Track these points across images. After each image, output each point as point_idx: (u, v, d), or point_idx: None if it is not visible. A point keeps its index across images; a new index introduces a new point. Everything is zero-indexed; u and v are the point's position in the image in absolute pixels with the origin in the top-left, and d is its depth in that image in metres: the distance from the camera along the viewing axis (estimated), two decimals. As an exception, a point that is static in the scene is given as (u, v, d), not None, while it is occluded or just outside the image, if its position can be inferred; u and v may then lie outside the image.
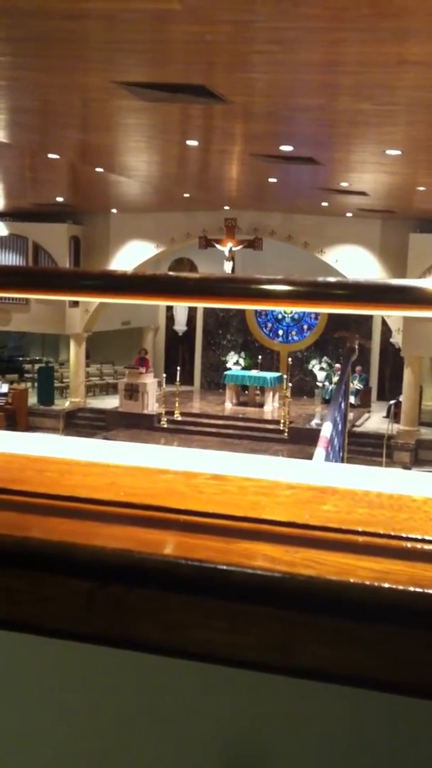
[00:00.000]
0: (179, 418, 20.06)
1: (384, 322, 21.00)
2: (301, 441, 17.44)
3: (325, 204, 16.41)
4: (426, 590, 0.83)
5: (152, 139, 10.94)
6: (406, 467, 16.59)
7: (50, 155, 11.95)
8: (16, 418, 20.47)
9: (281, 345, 23.71)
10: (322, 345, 23.02)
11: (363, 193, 14.19)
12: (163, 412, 20.10)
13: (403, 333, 18.68)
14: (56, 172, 14.23)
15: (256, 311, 22.80)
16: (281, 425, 19.32)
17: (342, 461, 7.27)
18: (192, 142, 10.69)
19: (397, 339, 19.37)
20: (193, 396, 23.26)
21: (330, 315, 21.80)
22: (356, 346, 8.77)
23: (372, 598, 0.84)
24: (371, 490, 1.12)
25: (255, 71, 7.06)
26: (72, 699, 1.08)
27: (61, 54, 6.66)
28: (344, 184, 13.56)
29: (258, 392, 21.41)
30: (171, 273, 1.26)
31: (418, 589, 0.83)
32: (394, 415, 19.49)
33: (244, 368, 22.75)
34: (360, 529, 0.98)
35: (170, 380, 20.94)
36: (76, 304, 20.42)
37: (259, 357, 22.89)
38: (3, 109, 9.32)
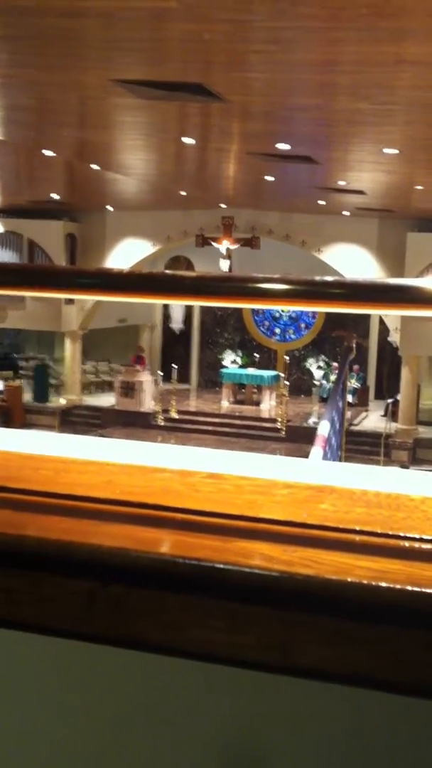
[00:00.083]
0: (176, 416, 20.05)
1: (381, 321, 21.00)
2: (299, 440, 17.43)
3: (322, 203, 16.39)
4: (424, 589, 0.83)
5: (149, 137, 10.92)
6: (403, 466, 16.58)
7: (46, 152, 11.92)
8: (11, 416, 20.46)
9: (278, 343, 23.69)
10: (319, 343, 23.01)
11: (361, 192, 14.18)
12: (160, 410, 20.09)
13: (400, 332, 18.70)
14: (52, 169, 14.19)
15: (253, 309, 22.77)
16: (278, 424, 19.32)
17: (340, 460, 7.27)
18: (189, 141, 10.66)
19: (394, 338, 19.39)
20: (190, 394, 23.25)
21: (327, 313, 21.78)
22: (354, 345, 8.79)
23: (370, 598, 0.84)
24: (369, 489, 1.12)
25: (252, 70, 7.05)
26: (72, 698, 1.08)
27: (58, 52, 6.64)
28: (342, 183, 13.55)
29: (255, 390, 21.39)
30: (168, 271, 1.26)
31: (416, 589, 0.83)
32: (391, 413, 19.50)
33: (241, 366, 22.72)
34: (358, 528, 0.98)
35: (167, 378, 20.92)
36: (71, 301, 20.33)
37: (257, 355, 22.89)
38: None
